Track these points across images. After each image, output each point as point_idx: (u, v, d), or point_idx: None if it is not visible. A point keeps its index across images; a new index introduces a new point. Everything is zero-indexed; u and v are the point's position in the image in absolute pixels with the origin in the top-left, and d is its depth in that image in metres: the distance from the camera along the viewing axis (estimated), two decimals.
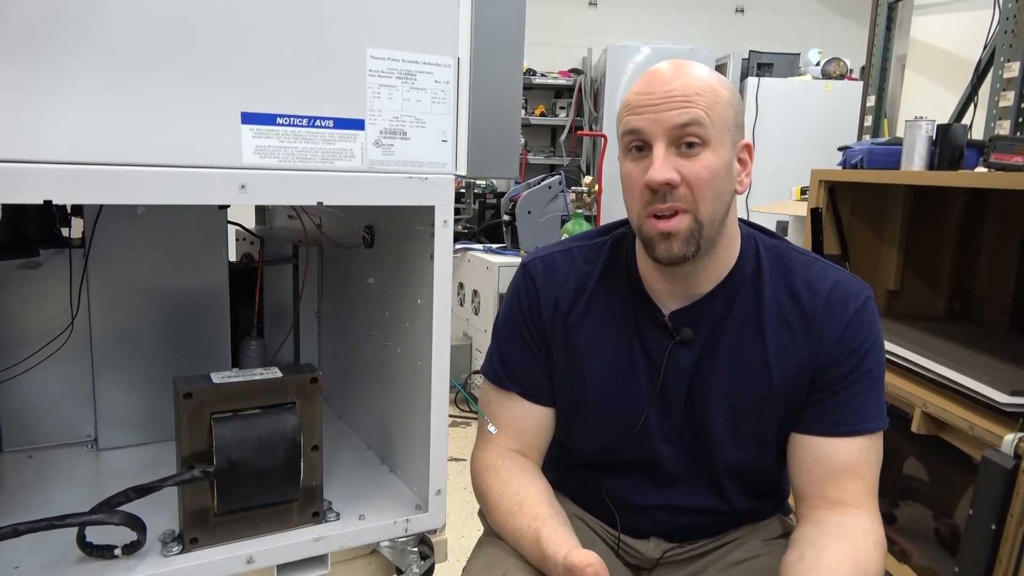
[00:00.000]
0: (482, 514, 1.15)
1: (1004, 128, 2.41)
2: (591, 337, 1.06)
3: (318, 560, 0.97)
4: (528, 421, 1.09)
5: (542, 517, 0.97)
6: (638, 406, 1.04)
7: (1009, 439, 1.40)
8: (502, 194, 4.31)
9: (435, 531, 1.06)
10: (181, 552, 0.90)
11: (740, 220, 1.05)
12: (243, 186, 0.83)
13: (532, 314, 1.08)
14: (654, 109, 0.92)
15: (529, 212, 3.60)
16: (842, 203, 2.32)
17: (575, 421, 1.09)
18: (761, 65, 5.29)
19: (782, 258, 1.04)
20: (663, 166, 0.91)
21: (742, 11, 6.54)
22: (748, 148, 0.99)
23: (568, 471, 1.16)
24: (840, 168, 2.29)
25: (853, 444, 0.97)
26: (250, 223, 1.63)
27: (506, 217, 3.74)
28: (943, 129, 1.93)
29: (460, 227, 4.25)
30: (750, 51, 5.36)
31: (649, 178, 0.92)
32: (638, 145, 0.95)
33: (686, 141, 0.92)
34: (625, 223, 1.08)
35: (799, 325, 0.99)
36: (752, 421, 1.01)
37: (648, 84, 0.95)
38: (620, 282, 1.06)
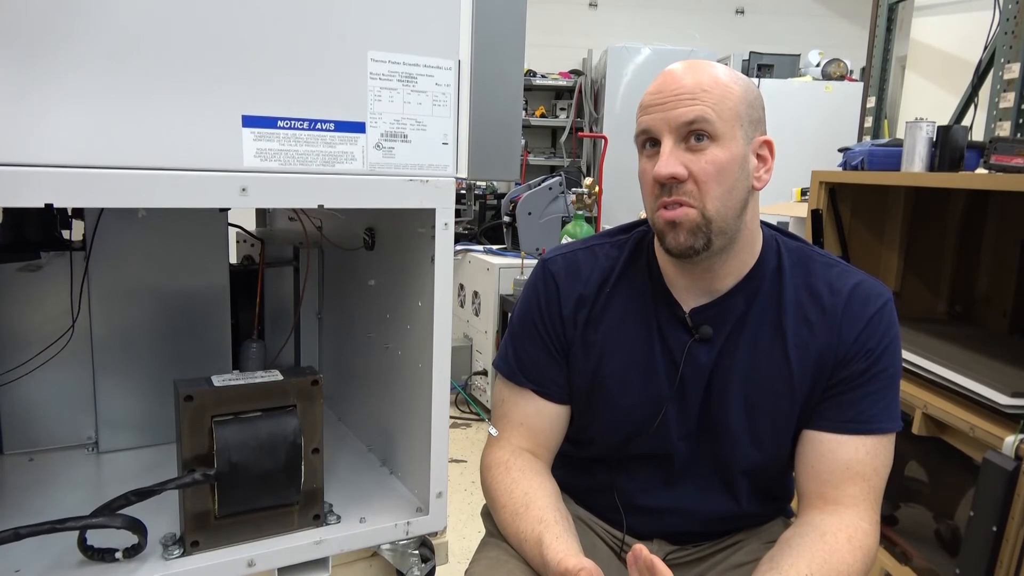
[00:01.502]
0: (484, 515, 1.15)
1: (1004, 129, 2.41)
2: (612, 331, 1.06)
3: (319, 563, 0.97)
4: (541, 419, 1.09)
5: (546, 521, 0.97)
6: (657, 401, 1.04)
7: (1010, 441, 1.40)
8: (502, 195, 4.31)
9: (436, 533, 1.06)
10: (182, 555, 0.90)
11: (761, 222, 1.06)
12: (244, 189, 0.83)
13: (551, 312, 1.08)
14: (663, 108, 0.94)
15: (529, 213, 3.60)
16: (842, 204, 2.32)
17: (594, 414, 1.09)
18: (761, 66, 5.29)
19: (803, 259, 1.04)
20: (669, 160, 0.93)
21: (742, 12, 6.54)
22: (768, 144, 0.99)
23: (576, 468, 1.16)
24: (840, 169, 2.29)
25: (860, 443, 0.97)
26: (251, 225, 1.64)
27: (507, 218, 3.74)
28: (943, 130, 1.93)
29: (461, 228, 4.26)
30: (750, 52, 5.36)
31: (655, 172, 0.94)
32: (651, 142, 0.97)
33: (694, 136, 0.93)
34: (647, 221, 1.09)
35: (819, 321, 1.00)
36: (770, 419, 1.02)
37: (658, 84, 0.97)
38: (641, 278, 1.07)
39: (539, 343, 1.08)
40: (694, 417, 1.04)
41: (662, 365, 1.04)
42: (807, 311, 1.01)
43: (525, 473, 1.04)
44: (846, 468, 0.97)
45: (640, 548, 0.86)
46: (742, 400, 1.02)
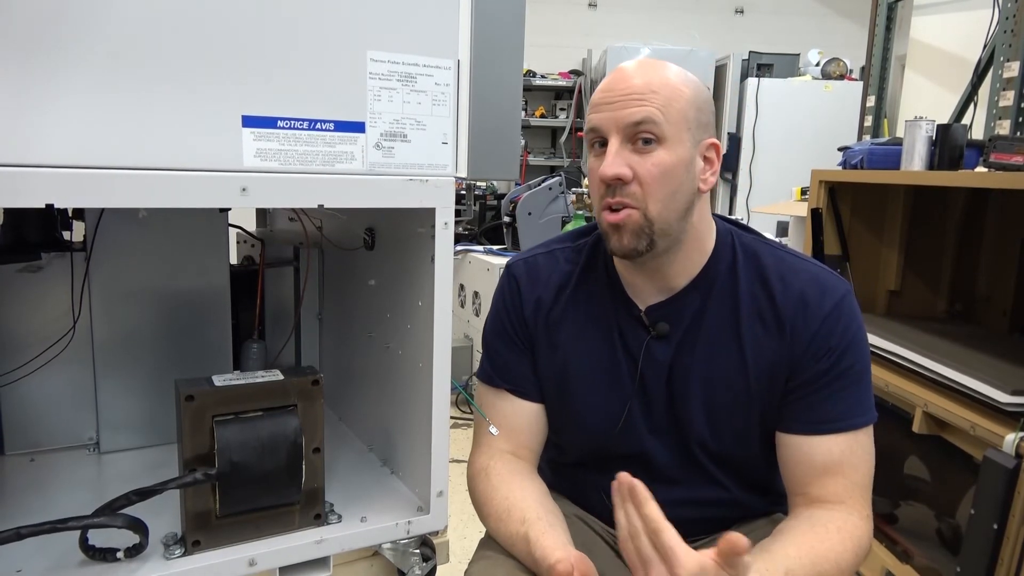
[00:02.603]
0: None
1: (1004, 128, 2.41)
2: (573, 334, 1.07)
3: (320, 562, 0.97)
4: (519, 419, 1.10)
5: (529, 520, 0.97)
6: (621, 400, 1.05)
7: (1010, 439, 1.40)
8: (502, 195, 4.31)
9: (437, 533, 1.06)
10: (183, 555, 0.90)
11: (717, 216, 1.06)
12: (244, 189, 0.83)
13: (515, 313, 1.10)
14: (611, 107, 0.95)
15: (529, 213, 3.60)
16: (842, 203, 2.32)
17: (562, 418, 1.10)
18: (761, 66, 5.29)
19: (755, 253, 1.04)
20: (614, 161, 0.94)
21: (742, 12, 6.54)
22: (716, 147, 1.00)
23: (564, 472, 1.16)
24: (840, 168, 2.29)
25: (833, 442, 0.97)
26: (251, 226, 1.64)
27: (507, 219, 3.74)
28: (943, 129, 1.93)
29: (461, 228, 4.25)
30: (750, 52, 5.36)
31: (600, 172, 0.94)
32: (600, 141, 0.97)
33: (641, 138, 0.93)
34: None
35: (772, 321, 1.00)
36: (729, 415, 1.02)
37: (609, 83, 0.97)
38: (599, 279, 1.08)
39: (509, 344, 1.10)
40: (661, 414, 1.05)
41: (624, 365, 1.05)
42: (761, 308, 1.00)
43: (504, 477, 1.05)
44: (823, 469, 0.96)
45: (622, 475, 0.82)
46: (701, 395, 1.02)
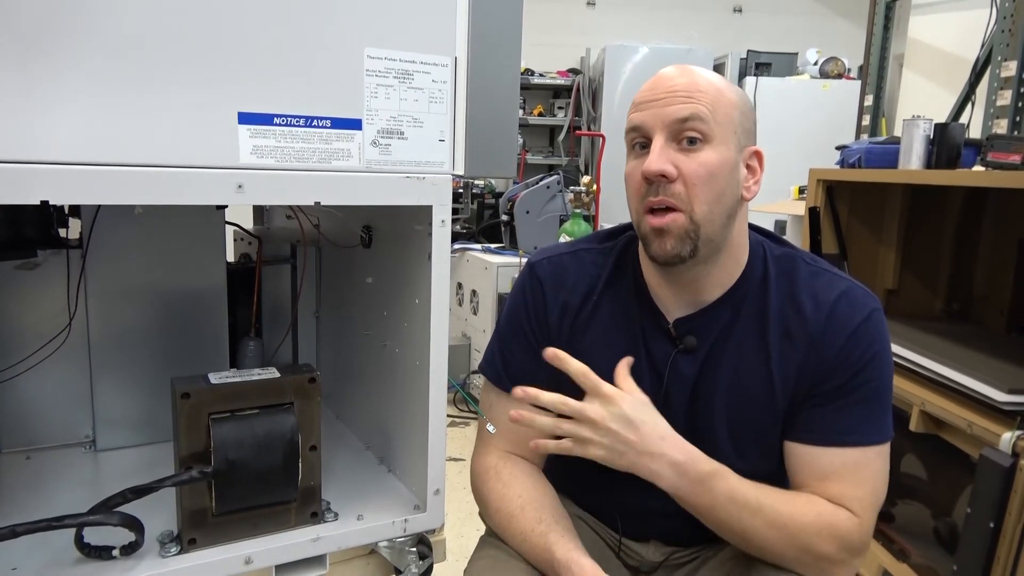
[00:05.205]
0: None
1: (1001, 127, 2.41)
2: (596, 342, 1.05)
3: (316, 560, 0.97)
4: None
5: (547, 521, 0.96)
6: None
7: (1007, 437, 1.40)
8: (500, 194, 4.30)
9: (434, 531, 1.06)
10: (179, 553, 0.90)
11: (749, 226, 1.04)
12: (240, 186, 0.83)
13: (537, 316, 1.07)
14: (656, 104, 0.92)
15: (527, 212, 3.59)
16: (840, 202, 2.32)
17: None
18: (759, 65, 5.29)
19: (789, 267, 1.02)
20: (659, 157, 0.91)
21: (740, 11, 6.54)
22: (758, 155, 0.98)
23: (569, 473, 1.15)
24: (838, 167, 2.29)
25: (837, 455, 0.95)
26: (248, 223, 1.63)
27: (504, 217, 3.74)
28: (941, 128, 1.93)
29: (458, 227, 4.25)
30: (748, 51, 5.36)
31: (644, 168, 0.91)
32: (641, 143, 0.95)
33: (686, 136, 0.91)
34: (632, 226, 1.08)
35: (801, 336, 0.97)
36: (754, 431, 1.00)
37: (653, 83, 0.95)
38: (626, 288, 1.05)
39: (526, 347, 1.07)
40: (680, 429, 1.03)
41: (647, 376, 1.02)
42: (790, 324, 0.98)
43: (516, 476, 1.04)
44: (824, 477, 0.95)
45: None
46: (725, 412, 1.00)
